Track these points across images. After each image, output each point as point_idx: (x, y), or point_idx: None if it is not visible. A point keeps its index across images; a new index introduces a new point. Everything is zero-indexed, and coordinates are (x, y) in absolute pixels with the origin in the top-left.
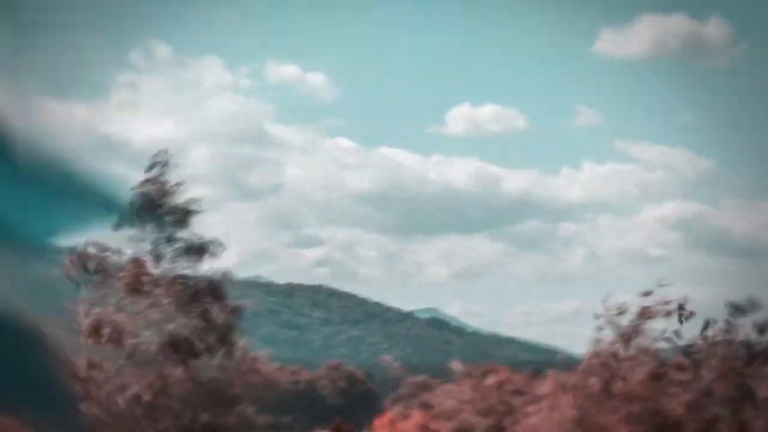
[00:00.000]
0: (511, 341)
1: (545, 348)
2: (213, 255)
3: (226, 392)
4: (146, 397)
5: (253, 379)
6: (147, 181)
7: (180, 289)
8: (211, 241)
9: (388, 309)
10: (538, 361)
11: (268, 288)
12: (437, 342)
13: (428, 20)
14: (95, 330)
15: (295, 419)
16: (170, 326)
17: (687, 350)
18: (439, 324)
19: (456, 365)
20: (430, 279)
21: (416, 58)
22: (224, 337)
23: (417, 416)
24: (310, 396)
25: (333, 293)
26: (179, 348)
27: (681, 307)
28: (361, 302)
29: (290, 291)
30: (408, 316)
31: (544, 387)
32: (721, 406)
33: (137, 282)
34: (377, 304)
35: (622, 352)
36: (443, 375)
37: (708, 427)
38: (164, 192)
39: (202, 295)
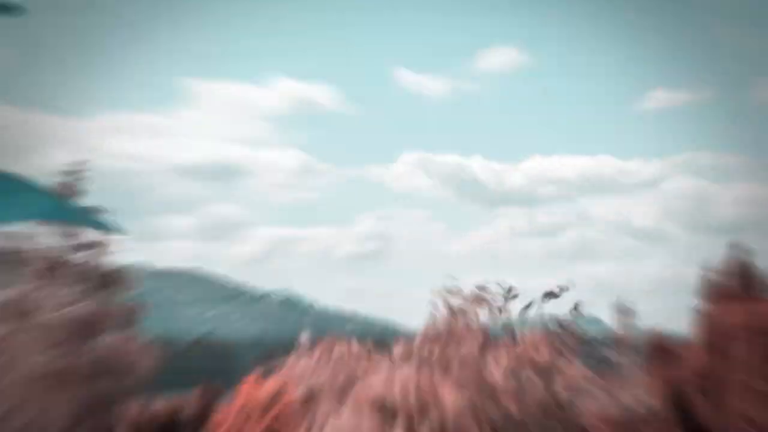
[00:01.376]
0: (352, 317)
1: (382, 323)
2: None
3: (118, 365)
4: (53, 368)
5: (133, 353)
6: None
7: (87, 276)
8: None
9: (245, 291)
10: (375, 334)
11: (140, 273)
12: (289, 319)
13: None
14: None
15: (167, 387)
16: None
17: (507, 327)
18: (290, 303)
19: (304, 338)
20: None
21: None
22: (128, 320)
23: (273, 381)
24: (180, 366)
25: (195, 278)
26: (86, 328)
27: (509, 292)
28: (222, 286)
29: (159, 275)
30: (263, 297)
31: (390, 355)
32: (535, 373)
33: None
34: (236, 288)
35: (453, 327)
36: (294, 348)
37: (522, 391)
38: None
39: (106, 283)
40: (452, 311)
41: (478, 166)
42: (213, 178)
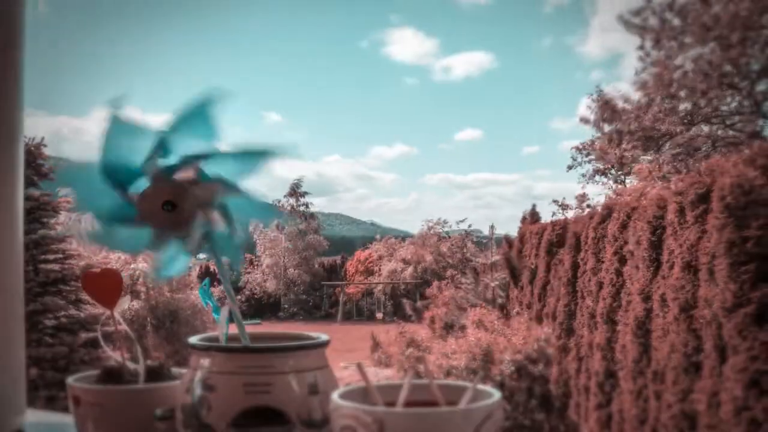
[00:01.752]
0: (392, 231)
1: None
2: None
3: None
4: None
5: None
6: None
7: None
8: None
9: (364, 222)
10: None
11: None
12: (376, 233)
13: None
14: None
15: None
16: None
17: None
18: (378, 227)
19: (377, 238)
20: None
21: None
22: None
23: (367, 252)
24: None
25: (346, 215)
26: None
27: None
28: (354, 220)
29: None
30: (369, 223)
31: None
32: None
33: None
34: (360, 222)
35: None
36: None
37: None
38: None
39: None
40: (428, 230)
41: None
42: (361, 180)
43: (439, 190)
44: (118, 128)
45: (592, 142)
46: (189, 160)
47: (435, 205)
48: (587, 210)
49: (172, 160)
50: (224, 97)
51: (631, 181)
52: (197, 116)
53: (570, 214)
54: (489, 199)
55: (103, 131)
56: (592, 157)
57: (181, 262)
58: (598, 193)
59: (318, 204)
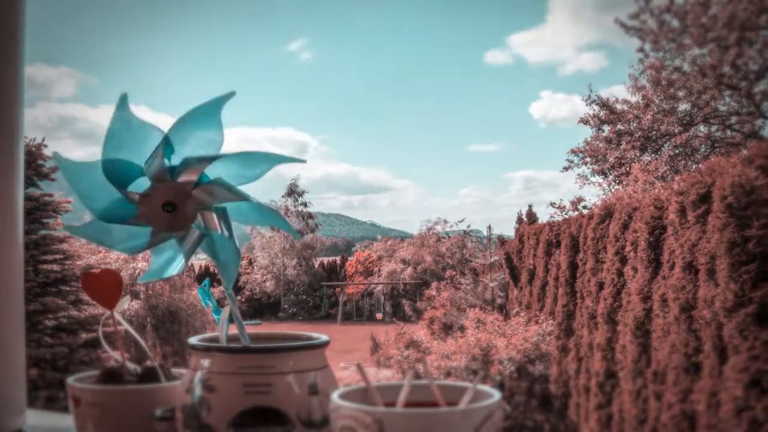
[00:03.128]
0: (391, 231)
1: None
2: None
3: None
4: None
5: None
6: None
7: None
8: None
9: (362, 220)
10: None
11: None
12: (374, 233)
13: None
14: None
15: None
16: None
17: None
18: (377, 227)
19: (378, 238)
20: None
21: None
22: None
23: (364, 252)
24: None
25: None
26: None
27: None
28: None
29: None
30: (368, 223)
31: (404, 241)
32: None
33: None
34: (356, 220)
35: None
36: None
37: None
38: None
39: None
40: (427, 230)
41: None
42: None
43: (493, 186)
44: (124, 124)
45: (588, 143)
46: (192, 163)
47: (485, 202)
48: (584, 212)
49: (175, 161)
50: (230, 98)
51: (627, 185)
52: (204, 115)
53: (565, 216)
54: (533, 197)
55: (109, 126)
56: (588, 159)
57: (178, 263)
58: (595, 194)
59: (354, 200)
